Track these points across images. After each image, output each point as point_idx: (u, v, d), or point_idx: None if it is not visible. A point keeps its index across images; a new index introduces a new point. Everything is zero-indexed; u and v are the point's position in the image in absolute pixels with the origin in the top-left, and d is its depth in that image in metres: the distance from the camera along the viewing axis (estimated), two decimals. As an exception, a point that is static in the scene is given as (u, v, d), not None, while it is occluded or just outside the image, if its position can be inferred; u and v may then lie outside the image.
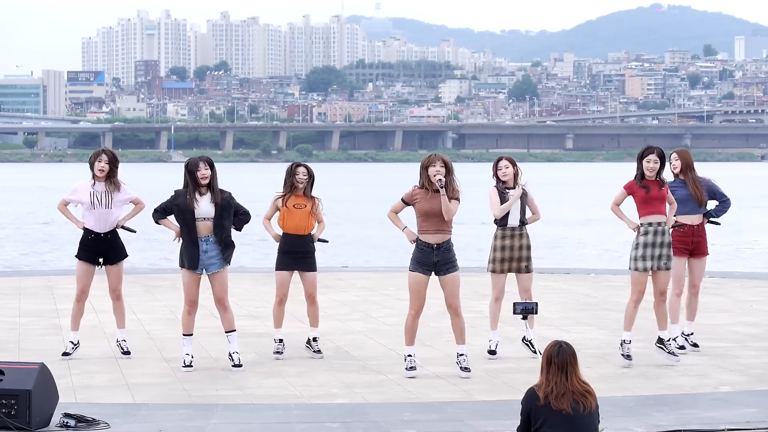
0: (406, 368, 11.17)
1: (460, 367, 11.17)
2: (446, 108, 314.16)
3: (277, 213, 12.19)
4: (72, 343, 12.24)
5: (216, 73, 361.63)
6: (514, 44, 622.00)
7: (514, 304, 11.06)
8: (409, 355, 11.21)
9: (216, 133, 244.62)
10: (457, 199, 10.90)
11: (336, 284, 19.05)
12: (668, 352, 11.77)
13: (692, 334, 12.80)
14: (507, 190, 12.07)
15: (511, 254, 12.12)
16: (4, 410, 8.67)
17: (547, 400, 7.18)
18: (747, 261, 34.32)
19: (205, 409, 9.69)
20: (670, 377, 11.16)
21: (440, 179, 10.78)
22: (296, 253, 12.08)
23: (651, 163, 11.64)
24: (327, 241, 12.48)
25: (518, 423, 7.40)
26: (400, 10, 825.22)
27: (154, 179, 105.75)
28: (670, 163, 12.48)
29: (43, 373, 8.92)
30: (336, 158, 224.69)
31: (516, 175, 12.11)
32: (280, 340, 12.32)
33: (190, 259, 11.32)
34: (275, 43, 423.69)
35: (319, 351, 12.30)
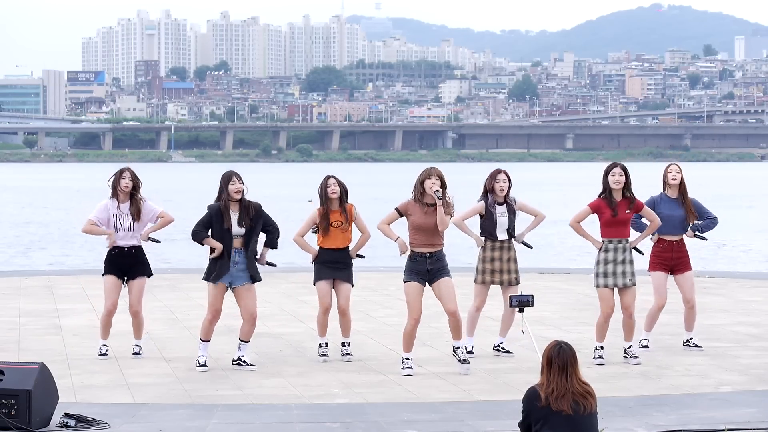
0: (402, 368, 11.25)
1: (459, 360, 11.23)
2: (446, 108, 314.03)
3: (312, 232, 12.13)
4: (105, 345, 12.39)
5: (216, 73, 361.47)
6: (514, 44, 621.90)
7: (510, 297, 11.08)
8: (407, 358, 11.27)
9: (216, 133, 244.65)
10: (451, 214, 11.09)
11: (336, 284, 19.01)
12: (630, 356, 11.90)
13: (692, 338, 12.77)
14: (497, 205, 12.12)
15: (500, 266, 12.22)
16: (4, 410, 8.67)
17: (548, 401, 7.17)
18: (747, 261, 34.30)
19: (205, 409, 9.70)
20: (670, 377, 11.17)
21: (438, 190, 10.91)
22: (335, 263, 12.06)
23: (616, 176, 11.60)
24: (363, 257, 12.43)
25: (518, 421, 7.40)
26: (400, 10, 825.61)
27: (154, 179, 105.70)
28: (669, 173, 12.40)
29: (43, 373, 8.92)
30: (336, 158, 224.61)
31: (509, 190, 12.20)
32: (326, 345, 12.26)
33: (220, 271, 11.35)
34: (275, 43, 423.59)
35: (347, 354, 12.21)
